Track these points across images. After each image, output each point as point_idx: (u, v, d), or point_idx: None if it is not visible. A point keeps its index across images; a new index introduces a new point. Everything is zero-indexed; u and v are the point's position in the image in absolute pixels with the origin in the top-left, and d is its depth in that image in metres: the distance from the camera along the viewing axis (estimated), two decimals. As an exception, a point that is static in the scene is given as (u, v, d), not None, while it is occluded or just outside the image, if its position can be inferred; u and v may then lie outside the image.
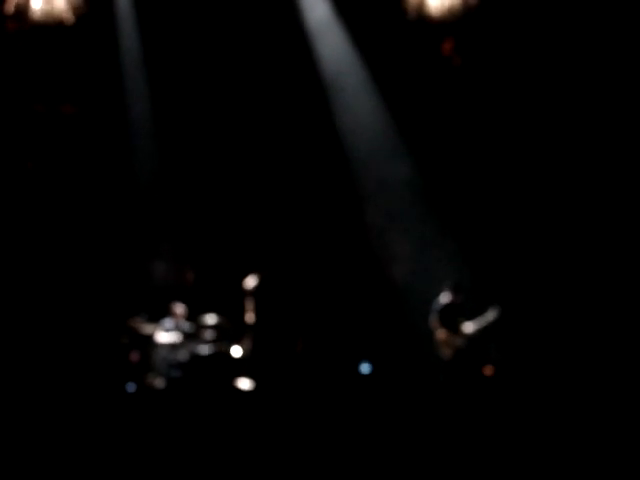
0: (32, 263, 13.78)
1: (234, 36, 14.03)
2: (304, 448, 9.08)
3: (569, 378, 12.17)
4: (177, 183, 14.37)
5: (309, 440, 9.40)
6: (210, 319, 12.89)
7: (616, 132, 13.31)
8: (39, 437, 9.35)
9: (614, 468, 8.07)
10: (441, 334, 12.02)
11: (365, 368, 13.42)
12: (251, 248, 14.18)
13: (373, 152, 14.00)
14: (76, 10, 13.27)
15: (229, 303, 13.19)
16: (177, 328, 12.82)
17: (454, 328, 11.99)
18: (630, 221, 13.21)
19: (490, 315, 12.04)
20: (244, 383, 12.44)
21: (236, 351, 12.73)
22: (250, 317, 12.83)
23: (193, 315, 12.98)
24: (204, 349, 12.64)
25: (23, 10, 13.29)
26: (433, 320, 12.12)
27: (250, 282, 12.86)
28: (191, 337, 12.76)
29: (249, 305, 12.84)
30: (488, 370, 12.34)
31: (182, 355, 12.56)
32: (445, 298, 12.18)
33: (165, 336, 12.66)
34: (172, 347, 12.62)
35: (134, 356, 12.63)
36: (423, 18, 13.24)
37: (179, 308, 12.99)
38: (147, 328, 12.71)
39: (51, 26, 13.38)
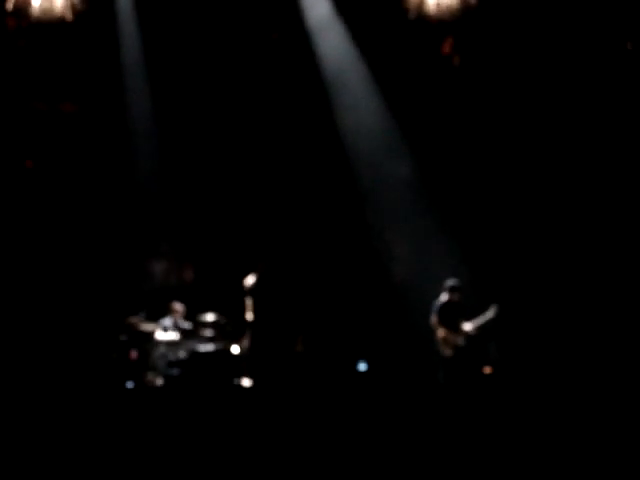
0: (32, 261, 13.78)
1: (235, 34, 14.01)
2: (304, 446, 9.06)
3: (568, 376, 12.15)
4: (177, 181, 14.35)
5: (309, 438, 9.39)
6: (209, 317, 12.88)
7: (615, 129, 13.32)
8: (38, 435, 9.33)
9: (614, 467, 8.05)
10: (441, 333, 12.01)
11: (362, 366, 13.42)
12: (251, 246, 14.17)
13: (373, 151, 14.00)
14: (75, 7, 13.25)
15: (228, 301, 13.16)
16: (176, 326, 12.81)
17: (454, 327, 11.98)
18: (630, 217, 13.21)
19: (490, 314, 12.03)
20: (243, 381, 12.42)
21: (235, 349, 12.71)
22: (249, 315, 12.81)
23: (192, 313, 12.97)
24: (203, 347, 12.62)
25: (23, 7, 13.27)
26: (433, 319, 12.11)
27: (249, 280, 12.84)
28: (190, 335, 12.76)
29: (248, 303, 12.82)
30: (487, 369, 12.33)
31: (181, 353, 12.54)
32: (445, 297, 12.17)
33: (164, 334, 12.65)
34: (171, 345, 12.60)
35: (133, 354, 12.61)
36: (423, 17, 13.24)
37: (178, 306, 12.97)
38: (146, 326, 12.70)
39: (51, 24, 13.36)
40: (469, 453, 8.78)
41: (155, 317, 12.82)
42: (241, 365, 12.58)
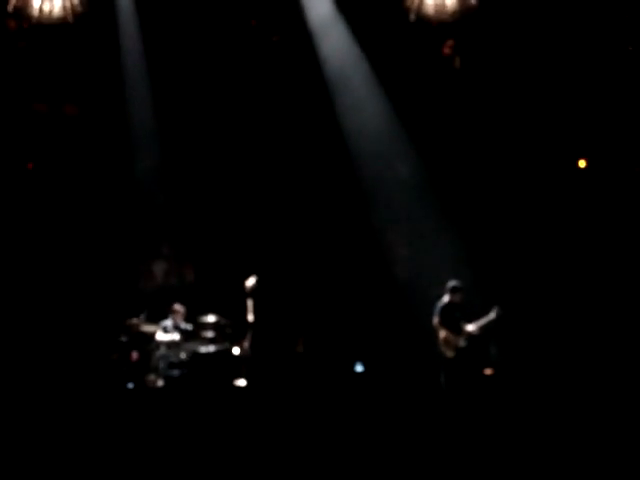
0: (33, 262, 13.78)
1: (237, 35, 14.01)
2: (304, 447, 9.06)
3: (569, 378, 12.15)
4: (178, 183, 14.35)
5: (309, 439, 9.39)
6: (210, 318, 12.84)
7: (614, 128, 13.35)
8: (39, 436, 9.33)
9: (614, 466, 8.06)
10: (443, 334, 11.99)
11: (359, 367, 13.42)
12: (252, 248, 14.16)
13: (376, 151, 14.00)
14: (76, 9, 13.24)
15: (229, 303, 13.14)
16: (177, 327, 12.78)
17: (456, 328, 11.96)
18: (630, 216, 13.23)
19: (491, 315, 12.02)
20: (243, 382, 12.40)
21: (236, 351, 12.69)
22: (250, 317, 12.79)
23: (193, 314, 12.94)
24: (204, 348, 12.60)
25: (24, 9, 13.27)
26: (435, 320, 12.09)
27: (250, 282, 12.82)
28: (191, 336, 12.72)
29: (249, 305, 12.80)
30: (488, 370, 12.32)
31: (182, 354, 12.52)
32: (447, 298, 12.15)
33: (165, 335, 12.62)
34: (172, 346, 12.57)
35: (134, 355, 12.60)
36: (424, 19, 13.25)
37: (179, 307, 12.94)
38: (147, 327, 12.66)
39: (52, 25, 13.36)
40: (470, 454, 8.78)
41: (156, 318, 12.78)
42: (242, 366, 12.56)
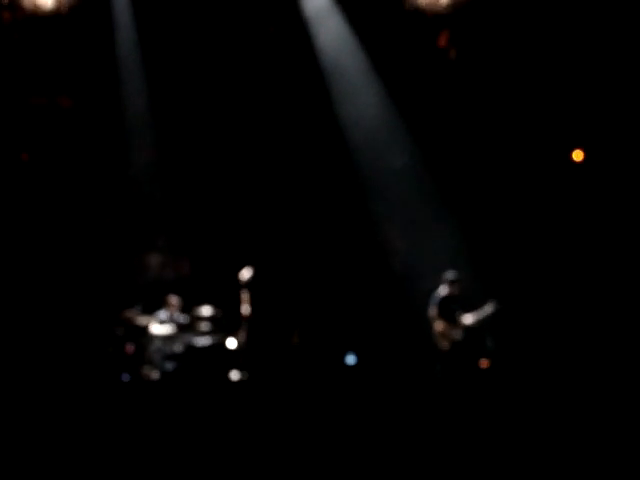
0: (27, 255, 13.73)
1: (232, 26, 13.97)
2: (300, 441, 9.01)
3: (566, 370, 12.12)
4: (173, 174, 14.31)
5: (305, 432, 9.34)
6: (205, 311, 12.83)
7: (612, 120, 13.30)
8: (33, 430, 9.28)
9: (610, 462, 8.01)
10: (439, 326, 11.96)
11: (350, 359, 13.39)
12: (247, 239, 14.13)
13: (372, 141, 13.97)
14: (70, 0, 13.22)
15: (225, 295, 13.12)
16: (172, 320, 12.76)
17: (452, 320, 11.93)
18: (629, 211, 13.18)
19: (489, 307, 11.99)
20: (239, 375, 12.38)
21: (231, 343, 12.67)
22: (246, 309, 12.76)
23: (188, 307, 12.92)
24: (199, 341, 12.58)
25: (18, 0, 13.23)
26: (432, 311, 12.06)
27: (246, 274, 12.79)
28: (186, 329, 12.71)
29: (245, 297, 12.77)
30: (484, 362, 12.28)
31: (177, 347, 12.50)
32: (444, 289, 12.12)
33: (160, 328, 12.60)
34: (167, 339, 12.55)
35: (129, 348, 12.57)
36: (419, 9, 13.22)
37: (174, 300, 12.92)
38: (142, 320, 12.64)
39: (46, 17, 13.32)
40: (466, 447, 8.74)
41: (151, 311, 12.77)
42: (237, 358, 12.54)
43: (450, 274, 12.18)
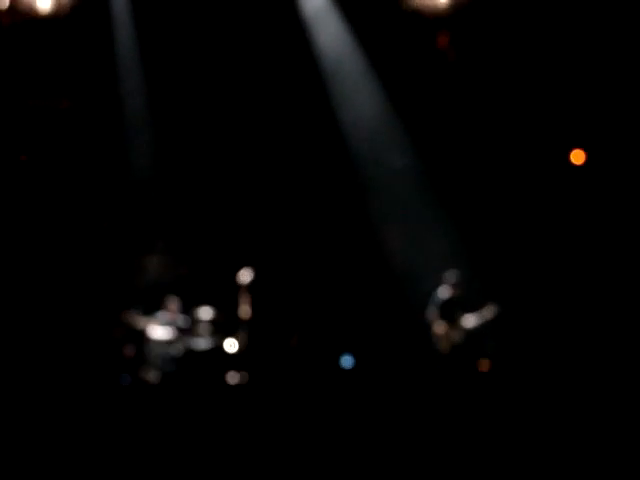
0: (26, 256, 13.71)
1: (230, 26, 13.95)
2: (299, 443, 9.00)
3: (567, 372, 12.11)
4: (172, 176, 14.29)
5: (304, 435, 9.33)
6: (205, 313, 12.81)
7: (612, 121, 13.30)
8: (31, 432, 9.27)
9: (611, 463, 8.00)
10: (439, 327, 11.95)
11: (346, 361, 13.38)
12: (246, 241, 14.11)
13: (371, 142, 13.96)
14: (69, 1, 13.21)
15: (224, 297, 13.10)
16: (171, 322, 12.74)
17: (453, 322, 11.92)
18: (630, 211, 13.18)
19: (489, 309, 11.98)
20: (238, 377, 12.38)
21: (231, 346, 12.67)
22: (245, 311, 12.76)
23: (187, 309, 12.90)
24: (198, 343, 12.57)
25: (17, 4, 13.22)
26: (432, 313, 12.05)
27: (245, 276, 12.79)
28: (185, 331, 12.69)
29: (244, 299, 12.77)
30: (485, 365, 12.27)
31: (176, 349, 12.49)
32: (444, 292, 12.10)
33: (159, 330, 12.59)
34: (166, 341, 12.55)
35: (128, 350, 12.57)
36: (418, 10, 13.22)
37: (173, 302, 12.90)
38: (141, 322, 12.63)
39: (45, 19, 13.32)
40: (466, 449, 8.73)
41: (150, 313, 12.75)
42: (236, 361, 12.54)
43: (451, 275, 12.16)
